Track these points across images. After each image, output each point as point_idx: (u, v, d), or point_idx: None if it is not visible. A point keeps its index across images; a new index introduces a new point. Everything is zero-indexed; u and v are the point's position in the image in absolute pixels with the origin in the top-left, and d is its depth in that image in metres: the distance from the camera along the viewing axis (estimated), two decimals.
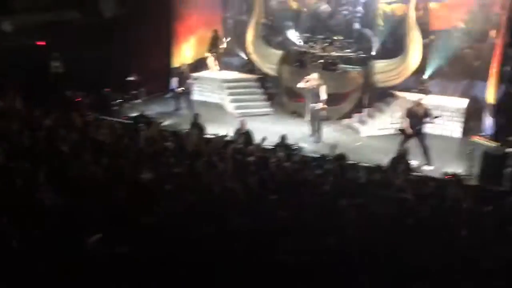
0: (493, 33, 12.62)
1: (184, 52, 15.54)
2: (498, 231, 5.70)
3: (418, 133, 10.39)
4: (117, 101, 13.48)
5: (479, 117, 12.49)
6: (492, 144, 11.45)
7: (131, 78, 14.62)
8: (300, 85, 11.99)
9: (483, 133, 12.18)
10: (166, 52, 15.30)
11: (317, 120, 11.77)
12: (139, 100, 14.37)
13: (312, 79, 11.82)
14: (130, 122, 11.14)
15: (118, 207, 5.62)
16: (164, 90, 15.35)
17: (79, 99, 12.29)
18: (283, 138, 10.00)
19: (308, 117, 12.10)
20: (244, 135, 10.17)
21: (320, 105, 11.61)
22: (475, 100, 13.05)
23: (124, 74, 14.44)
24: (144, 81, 14.81)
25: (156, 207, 5.62)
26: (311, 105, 11.85)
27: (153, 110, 13.43)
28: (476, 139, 12.07)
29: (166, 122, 11.35)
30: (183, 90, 13.57)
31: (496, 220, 6.02)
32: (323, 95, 11.62)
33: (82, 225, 4.87)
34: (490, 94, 11.99)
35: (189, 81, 13.79)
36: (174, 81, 14.13)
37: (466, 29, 13.03)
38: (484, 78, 12.40)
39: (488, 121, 12.10)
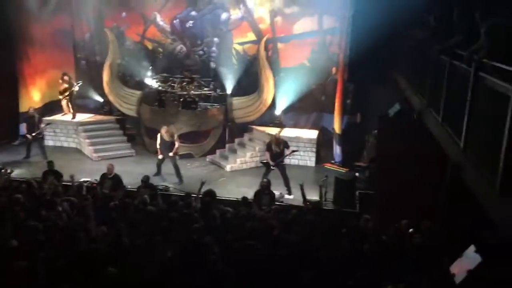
0: (334, 69, 14.02)
1: (34, 95, 14.49)
2: (354, 251, 6.21)
3: (278, 165, 10.98)
4: None
5: (330, 146, 13.63)
6: (342, 170, 12.57)
7: None
8: (158, 141, 11.83)
9: (334, 161, 13.31)
10: (12, 96, 14.11)
11: (175, 170, 11.67)
12: None
13: (164, 133, 11.72)
14: None
15: None
16: (12, 137, 14.10)
17: None
18: (145, 179, 9.77)
19: (159, 158, 11.88)
20: (112, 180, 9.70)
21: (171, 154, 11.62)
22: (324, 131, 14.25)
23: None
24: None
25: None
26: (165, 154, 11.72)
27: None
28: (328, 166, 13.14)
29: (15, 172, 10.35)
30: (33, 135, 12.57)
31: (351, 240, 6.55)
32: (176, 144, 11.71)
33: None
34: (336, 125, 13.20)
35: (41, 125, 12.84)
36: (23, 127, 13.03)
37: (310, 66, 14.28)
38: (331, 110, 13.62)
39: (337, 149, 13.27)
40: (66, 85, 14.02)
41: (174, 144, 11.67)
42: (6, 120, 14.23)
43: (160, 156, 11.76)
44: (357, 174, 11.57)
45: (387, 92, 11.43)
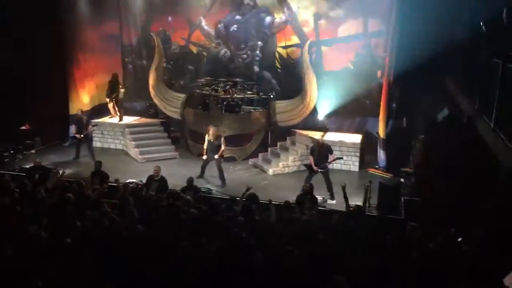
0: (379, 73, 13.77)
1: (83, 98, 15.00)
2: (399, 258, 6.04)
3: (322, 169, 10.86)
4: (8, 152, 12.63)
5: (374, 151, 13.38)
6: (386, 175, 12.30)
7: (24, 127, 13.81)
8: (206, 143, 12.01)
9: (378, 166, 13.04)
10: (63, 99, 14.67)
11: (219, 173, 11.75)
12: (33, 150, 13.54)
13: (211, 133, 11.86)
14: (24, 174, 10.41)
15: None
16: (62, 138, 14.67)
17: None
18: (190, 181, 9.89)
19: (204, 160, 12.04)
20: (158, 182, 9.88)
21: (216, 156, 11.71)
22: (368, 135, 14.01)
23: (16, 123, 13.64)
24: (39, 129, 14.05)
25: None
26: (210, 156, 11.85)
27: (50, 160, 12.69)
28: (372, 171, 12.89)
29: (66, 172, 10.71)
30: (81, 136, 13.00)
31: (395, 247, 6.38)
32: (222, 146, 11.77)
33: None
34: (381, 129, 12.92)
35: (89, 127, 13.28)
36: (72, 128, 13.52)
37: (355, 70, 14.09)
38: (375, 114, 13.37)
39: (381, 154, 13.00)
40: (114, 86, 14.42)
41: (220, 146, 11.76)
42: (57, 122, 14.82)
43: (204, 157, 11.89)
44: (402, 180, 11.29)
45: (435, 96, 11.11)
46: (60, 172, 9.55)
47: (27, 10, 12.56)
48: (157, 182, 9.89)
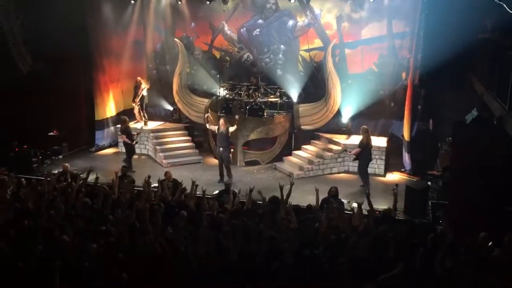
0: (404, 75, 13.58)
1: (108, 104, 15.16)
2: (427, 262, 5.91)
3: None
4: (37, 158, 12.89)
5: (399, 154, 13.16)
6: (413, 178, 12.09)
7: (52, 133, 14.09)
8: (208, 126, 12.57)
9: (404, 169, 12.83)
10: (89, 105, 14.87)
11: (225, 163, 12.13)
12: (60, 156, 13.79)
13: (220, 124, 12.22)
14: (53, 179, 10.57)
15: None
16: (88, 144, 14.89)
17: None
18: (227, 185, 9.94)
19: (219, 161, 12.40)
20: (172, 185, 9.90)
21: (221, 150, 12.13)
22: (394, 138, 13.80)
23: (44, 130, 13.92)
24: (67, 135, 14.31)
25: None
26: (219, 145, 12.28)
27: (77, 165, 12.88)
28: (398, 174, 12.69)
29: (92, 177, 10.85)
30: (136, 142, 13.35)
31: (424, 251, 6.24)
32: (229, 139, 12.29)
33: None
34: (406, 132, 12.72)
35: (134, 132, 13.47)
36: (123, 138, 13.47)
37: (379, 72, 13.92)
38: (400, 117, 13.17)
39: (406, 157, 12.78)
40: (139, 92, 14.61)
41: (228, 135, 12.14)
42: (83, 128, 15.07)
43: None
44: (429, 183, 11.09)
45: (463, 97, 10.90)
46: (82, 175, 9.70)
47: (51, 17, 12.74)
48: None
